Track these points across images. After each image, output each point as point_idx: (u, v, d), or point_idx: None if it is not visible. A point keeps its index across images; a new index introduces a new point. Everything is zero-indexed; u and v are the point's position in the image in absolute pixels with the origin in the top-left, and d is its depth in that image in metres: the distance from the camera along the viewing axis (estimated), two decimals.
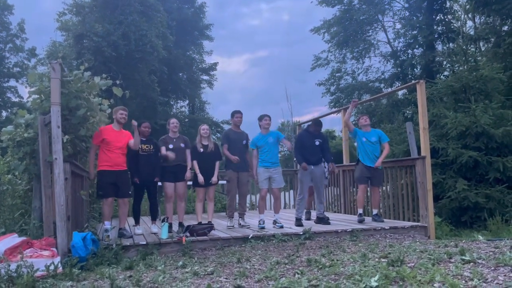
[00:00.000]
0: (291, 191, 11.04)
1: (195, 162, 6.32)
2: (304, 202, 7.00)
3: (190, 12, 26.34)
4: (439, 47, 18.62)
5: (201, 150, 6.34)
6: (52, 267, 4.00)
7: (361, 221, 6.61)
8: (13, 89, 27.00)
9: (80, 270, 4.12)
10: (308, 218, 7.53)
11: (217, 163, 6.45)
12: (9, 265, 3.83)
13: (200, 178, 6.23)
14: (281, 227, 6.34)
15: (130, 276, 3.85)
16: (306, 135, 7.01)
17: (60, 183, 4.60)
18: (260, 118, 6.74)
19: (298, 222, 6.61)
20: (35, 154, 5.23)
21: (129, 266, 4.36)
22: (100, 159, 5.59)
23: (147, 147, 6.10)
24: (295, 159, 7.85)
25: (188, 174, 6.30)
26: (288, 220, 7.27)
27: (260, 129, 6.75)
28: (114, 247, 4.91)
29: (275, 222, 6.51)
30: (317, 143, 6.90)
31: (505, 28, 14.38)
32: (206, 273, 3.85)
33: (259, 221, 6.46)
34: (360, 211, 6.85)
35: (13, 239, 4.47)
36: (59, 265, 4.13)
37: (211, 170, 6.37)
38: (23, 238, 4.58)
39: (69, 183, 4.89)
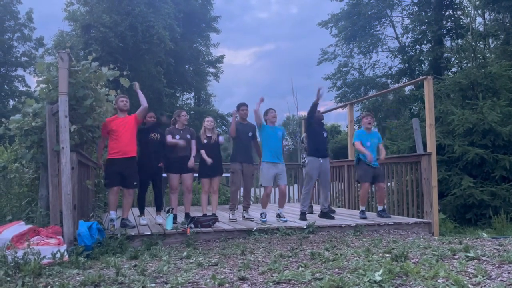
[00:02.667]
0: (296, 185, 11.07)
1: (202, 151, 6.32)
2: (309, 196, 6.98)
3: (197, 4, 26.25)
4: (448, 43, 18.45)
5: (205, 141, 6.37)
6: (58, 255, 4.04)
7: (363, 218, 6.59)
8: (20, 78, 27.13)
9: (86, 259, 4.17)
10: (311, 212, 7.54)
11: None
12: (16, 252, 3.88)
13: (209, 160, 6.21)
14: (285, 221, 6.33)
15: (135, 266, 3.89)
16: (316, 124, 6.98)
17: (67, 172, 4.63)
18: (266, 112, 6.65)
19: (303, 216, 6.61)
20: (42, 143, 5.27)
21: (134, 256, 4.40)
22: (109, 147, 5.66)
23: (154, 135, 6.13)
24: (305, 148, 7.59)
25: (191, 162, 6.28)
26: (292, 214, 7.30)
27: (266, 122, 6.69)
28: (119, 237, 4.95)
29: (279, 216, 6.51)
30: (325, 134, 6.90)
31: None
32: (210, 264, 3.87)
33: (260, 214, 6.45)
34: (363, 208, 6.84)
35: (20, 227, 4.52)
36: (65, 253, 4.17)
37: (215, 161, 6.39)
38: (30, 225, 4.64)
39: (76, 173, 4.92)
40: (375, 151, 6.83)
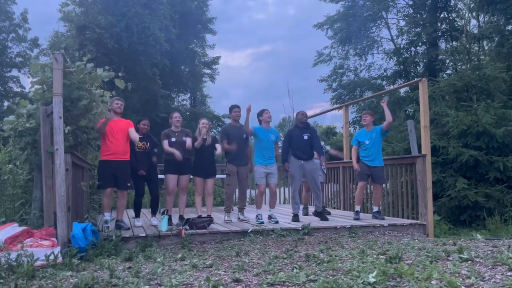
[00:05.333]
0: (290, 187, 11.07)
1: (189, 139, 6.31)
2: (297, 197, 6.97)
3: (193, 5, 26.20)
4: (443, 45, 18.54)
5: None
6: (52, 257, 4.02)
7: (357, 219, 6.61)
8: (15, 79, 26.98)
9: (79, 261, 4.15)
10: (306, 214, 7.55)
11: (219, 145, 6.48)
12: (9, 254, 3.85)
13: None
14: (276, 222, 6.36)
15: (129, 268, 3.87)
16: (294, 131, 6.99)
17: (61, 173, 4.61)
18: (261, 113, 6.71)
19: (295, 218, 6.63)
20: (36, 144, 5.25)
21: (129, 258, 4.38)
22: (102, 149, 5.64)
23: (143, 144, 6.13)
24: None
25: (196, 143, 6.25)
26: (287, 216, 7.30)
27: (260, 124, 6.73)
28: (113, 239, 4.93)
29: (270, 217, 6.54)
30: (305, 137, 6.86)
31: (509, 27, 14.32)
32: (205, 266, 3.87)
33: (256, 216, 6.48)
34: (358, 208, 6.85)
35: (14, 229, 4.49)
36: (59, 255, 4.15)
37: (209, 163, 6.39)
38: (24, 227, 4.61)
39: (70, 174, 4.91)
40: (376, 148, 6.82)
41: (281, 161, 6.95)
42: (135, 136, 5.76)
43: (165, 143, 6.21)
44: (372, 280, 2.99)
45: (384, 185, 7.73)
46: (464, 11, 17.94)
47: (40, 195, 5.14)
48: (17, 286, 3.23)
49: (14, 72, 26.81)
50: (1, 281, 3.39)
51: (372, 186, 7.18)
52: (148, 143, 6.19)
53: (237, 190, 7.01)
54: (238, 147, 6.57)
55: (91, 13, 17.53)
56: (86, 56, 5.81)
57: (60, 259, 4.09)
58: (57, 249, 4.26)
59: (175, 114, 6.48)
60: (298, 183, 6.96)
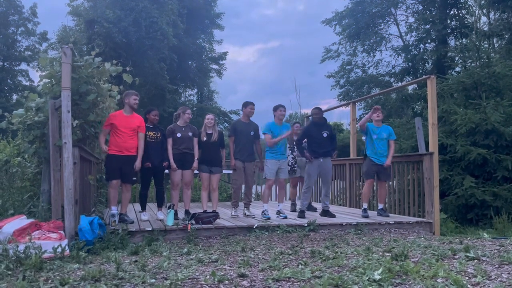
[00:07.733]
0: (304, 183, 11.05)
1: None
2: (309, 194, 6.98)
3: (201, 0, 26.19)
4: (452, 42, 18.39)
5: (205, 139, 6.38)
6: (59, 250, 4.06)
7: (365, 217, 6.60)
8: (24, 73, 27.25)
9: (86, 254, 4.18)
10: (294, 210, 7.54)
11: (223, 151, 6.49)
12: (18, 246, 3.90)
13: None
14: (285, 217, 6.37)
15: (136, 261, 3.90)
16: (312, 129, 6.98)
17: (69, 167, 4.65)
18: (275, 108, 6.70)
19: (302, 214, 6.64)
20: (45, 137, 5.29)
21: (135, 251, 4.41)
22: (109, 143, 5.67)
23: (154, 134, 6.13)
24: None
25: (196, 164, 6.34)
26: (293, 212, 7.30)
27: (274, 118, 6.73)
28: (120, 232, 4.97)
29: (279, 212, 6.55)
30: (325, 135, 6.88)
31: None
32: (210, 260, 3.89)
33: (263, 211, 6.48)
34: (365, 205, 6.84)
35: (22, 221, 4.54)
36: (66, 247, 4.19)
37: (214, 159, 6.41)
38: (32, 220, 4.66)
39: (78, 168, 4.94)
40: (382, 146, 6.79)
41: (301, 154, 7.05)
42: (142, 147, 5.81)
43: (169, 141, 6.24)
44: (377, 277, 2.99)
45: (390, 183, 7.70)
46: (474, 8, 17.75)
47: (48, 188, 5.19)
48: (25, 277, 3.27)
49: (23, 66, 27.08)
50: (10, 272, 3.43)
51: (376, 184, 7.15)
52: (159, 133, 6.21)
53: (243, 186, 7.03)
54: (246, 143, 6.59)
55: (100, 8, 17.58)
56: (94, 50, 5.85)
57: (67, 252, 4.13)
58: (64, 242, 4.30)
59: (188, 110, 6.47)
60: (313, 181, 6.97)
